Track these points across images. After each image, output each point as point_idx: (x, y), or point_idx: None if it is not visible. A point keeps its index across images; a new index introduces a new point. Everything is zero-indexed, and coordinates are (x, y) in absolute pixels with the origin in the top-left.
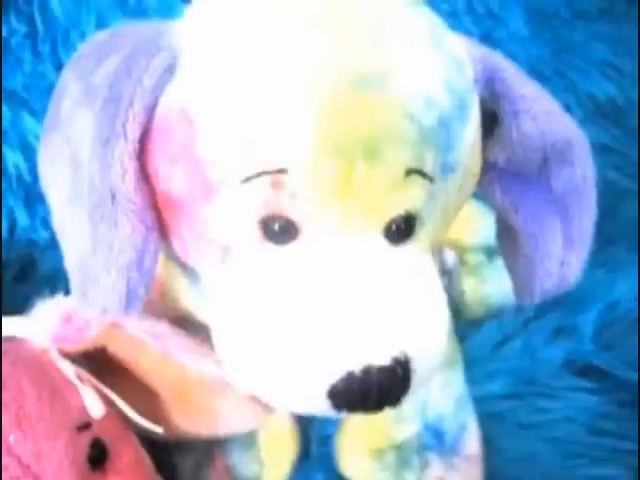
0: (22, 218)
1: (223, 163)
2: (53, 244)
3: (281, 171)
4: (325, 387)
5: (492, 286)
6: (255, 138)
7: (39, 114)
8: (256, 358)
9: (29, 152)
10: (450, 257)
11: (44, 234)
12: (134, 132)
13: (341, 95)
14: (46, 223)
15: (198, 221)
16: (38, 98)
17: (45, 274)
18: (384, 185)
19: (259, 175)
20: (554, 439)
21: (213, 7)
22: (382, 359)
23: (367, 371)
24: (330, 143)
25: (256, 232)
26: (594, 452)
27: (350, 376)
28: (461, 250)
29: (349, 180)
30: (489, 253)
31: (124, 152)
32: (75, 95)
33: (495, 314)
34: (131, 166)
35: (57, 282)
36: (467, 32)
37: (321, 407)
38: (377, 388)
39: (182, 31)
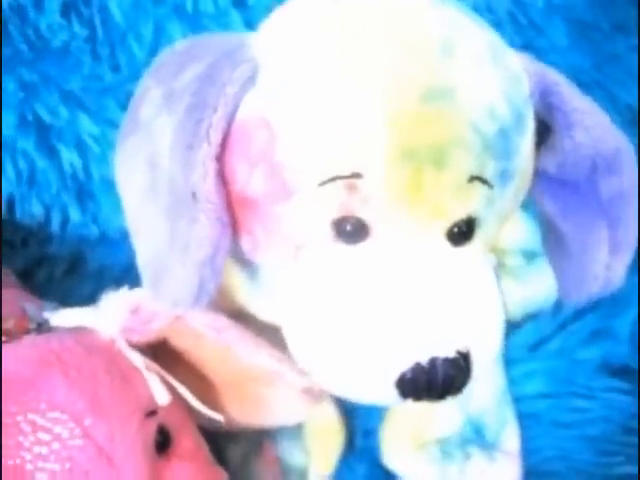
0: (74, 214)
1: (301, 168)
2: (103, 240)
3: (355, 176)
4: (394, 376)
5: (530, 288)
6: (331, 145)
7: (95, 115)
8: (329, 351)
9: (85, 151)
10: (490, 259)
11: (95, 230)
12: (216, 137)
13: (412, 106)
14: (97, 220)
15: (273, 219)
16: (95, 99)
17: (94, 269)
18: (449, 190)
19: (334, 179)
20: (590, 438)
21: (290, 20)
22: (447, 351)
23: (433, 362)
24: (401, 150)
25: (329, 232)
26: (629, 451)
27: (418, 366)
28: (500, 253)
29: (418, 185)
30: (528, 256)
31: (207, 155)
32: (156, 101)
33: (532, 316)
34: (212, 168)
35: (106, 277)
36: (510, 42)
37: (389, 396)
38: (442, 378)
39: (261, 43)
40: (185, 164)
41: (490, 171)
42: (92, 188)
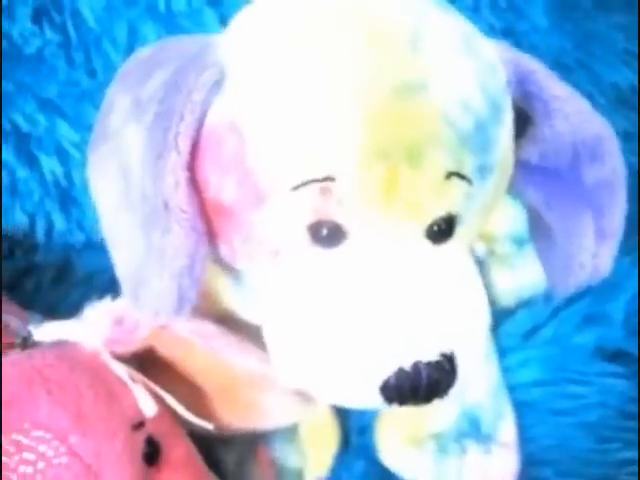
0: (59, 222)
1: (273, 173)
2: (89, 246)
3: (329, 178)
4: (378, 382)
5: (522, 275)
6: (303, 148)
7: (73, 120)
8: (310, 357)
9: (65, 158)
10: (479, 247)
11: (80, 237)
12: (185, 145)
13: (384, 104)
14: (82, 226)
15: (248, 226)
16: (72, 105)
17: (82, 276)
18: (426, 188)
19: (308, 183)
20: (587, 424)
21: (257, 21)
22: (430, 355)
23: (417, 366)
24: (374, 150)
25: (305, 236)
26: (627, 435)
27: (401, 371)
28: (490, 240)
29: (393, 185)
30: (518, 243)
31: (176, 164)
32: (124, 109)
33: (525, 303)
34: (183, 177)
35: (93, 283)
36: (489, 26)
37: (373, 401)
38: (426, 382)
39: (228, 46)
40: (156, 174)
41: (468, 166)
42: (75, 194)
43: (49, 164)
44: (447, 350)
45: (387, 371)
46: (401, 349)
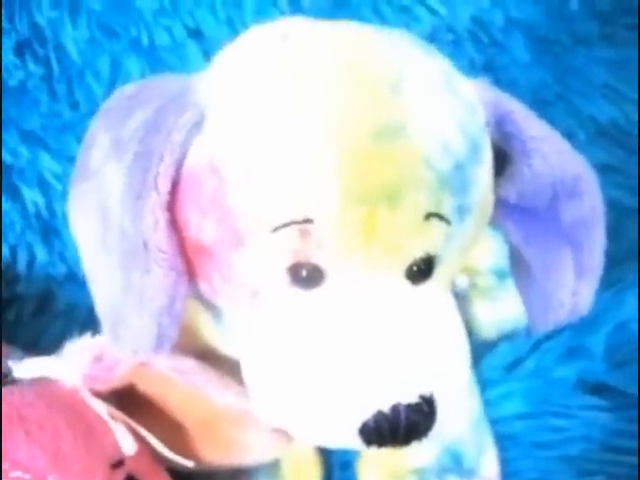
0: (41, 253)
1: (252, 214)
2: (71, 278)
3: (308, 221)
4: (357, 425)
5: (504, 308)
6: (282, 190)
7: (55, 152)
8: (288, 399)
9: (46, 189)
10: (461, 280)
11: (62, 268)
12: (165, 185)
13: (362, 146)
14: (64, 258)
15: (227, 266)
16: (54, 137)
17: (63, 307)
18: (405, 229)
19: (287, 225)
20: (570, 457)
21: (237, 61)
22: (409, 397)
23: (396, 408)
24: (353, 192)
25: (284, 278)
26: (610, 469)
27: (380, 414)
28: (472, 273)
29: (372, 226)
30: (500, 275)
31: (156, 204)
32: (104, 147)
33: (507, 336)
34: (162, 217)
35: (75, 315)
36: (470, 60)
37: (352, 443)
38: (405, 424)
39: (208, 86)
40: (135, 214)
41: (447, 207)
42: (57, 226)
43: (31, 195)
44: (426, 392)
45: (366, 413)
46: (380, 391)
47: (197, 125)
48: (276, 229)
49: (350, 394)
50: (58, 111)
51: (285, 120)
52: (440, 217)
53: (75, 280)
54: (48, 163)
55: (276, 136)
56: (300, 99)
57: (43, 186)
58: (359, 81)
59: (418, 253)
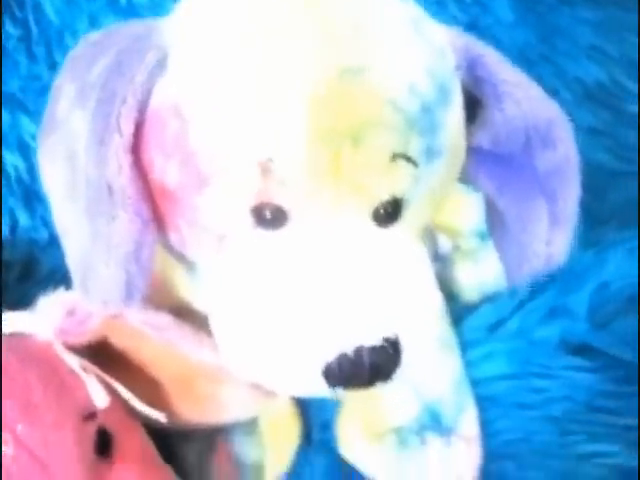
0: (23, 218)
1: (215, 155)
2: (54, 242)
3: (270, 160)
4: (320, 367)
5: (486, 270)
6: (244, 130)
7: (35, 115)
8: (253, 343)
9: (27, 153)
10: (444, 242)
11: (44, 233)
12: (128, 127)
13: (326, 87)
14: (46, 222)
15: (192, 210)
16: (34, 99)
17: (47, 272)
18: (370, 170)
19: (249, 165)
20: (551, 418)
21: (199, 5)
22: (373, 339)
23: (359, 351)
24: (317, 132)
25: (248, 219)
26: (592, 429)
27: (343, 356)
28: (454, 235)
29: (336, 166)
30: (482, 237)
31: (119, 147)
32: (70, 96)
33: (490, 297)
34: (126, 160)
35: (59, 279)
36: (454, 19)
37: (317, 387)
38: (369, 366)
39: (171, 28)
40: (99, 159)
41: (414, 148)
42: (38, 190)
43: (12, 159)
44: (391, 335)
45: (329, 355)
46: (343, 333)
47: (160, 66)
48: (238, 170)
49: (313, 336)
50: (37, 73)
51: (248, 61)
52: (407, 158)
53: (58, 244)
54: (28, 126)
55: (239, 77)
56: (263, 40)
57: (23, 149)
58: (323, 22)
59: (384, 194)
